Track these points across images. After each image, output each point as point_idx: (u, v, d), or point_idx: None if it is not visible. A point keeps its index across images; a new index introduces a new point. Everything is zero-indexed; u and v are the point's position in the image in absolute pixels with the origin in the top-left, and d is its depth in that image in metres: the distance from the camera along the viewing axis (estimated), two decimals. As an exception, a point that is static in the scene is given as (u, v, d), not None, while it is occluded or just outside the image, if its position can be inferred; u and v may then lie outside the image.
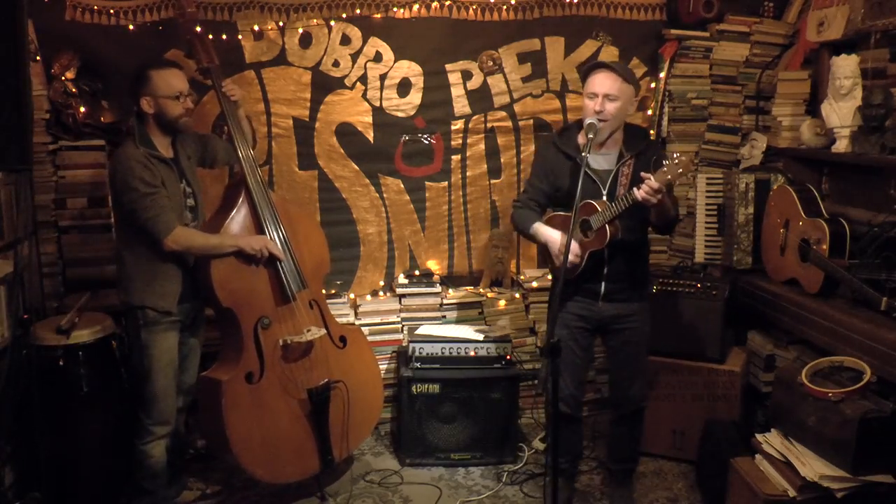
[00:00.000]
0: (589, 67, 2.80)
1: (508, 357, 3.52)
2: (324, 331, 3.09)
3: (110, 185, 2.82)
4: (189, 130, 2.95)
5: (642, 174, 2.55)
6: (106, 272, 3.49)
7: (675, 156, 2.46)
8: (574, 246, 2.70)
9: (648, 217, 2.75)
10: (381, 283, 4.05)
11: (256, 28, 3.66)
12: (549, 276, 3.16)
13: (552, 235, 2.81)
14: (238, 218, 2.97)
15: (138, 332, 2.84)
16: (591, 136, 2.59)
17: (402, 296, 3.91)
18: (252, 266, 2.94)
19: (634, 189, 2.55)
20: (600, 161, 2.80)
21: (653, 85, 3.97)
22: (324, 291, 3.37)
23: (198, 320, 3.08)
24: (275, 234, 3.00)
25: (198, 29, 3.12)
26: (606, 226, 2.68)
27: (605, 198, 2.74)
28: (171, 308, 2.84)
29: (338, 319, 3.60)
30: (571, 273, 2.79)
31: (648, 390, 3.11)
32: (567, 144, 2.84)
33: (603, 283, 2.83)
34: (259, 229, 2.99)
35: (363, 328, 3.77)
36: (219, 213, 3.04)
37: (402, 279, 3.96)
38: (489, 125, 3.98)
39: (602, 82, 2.69)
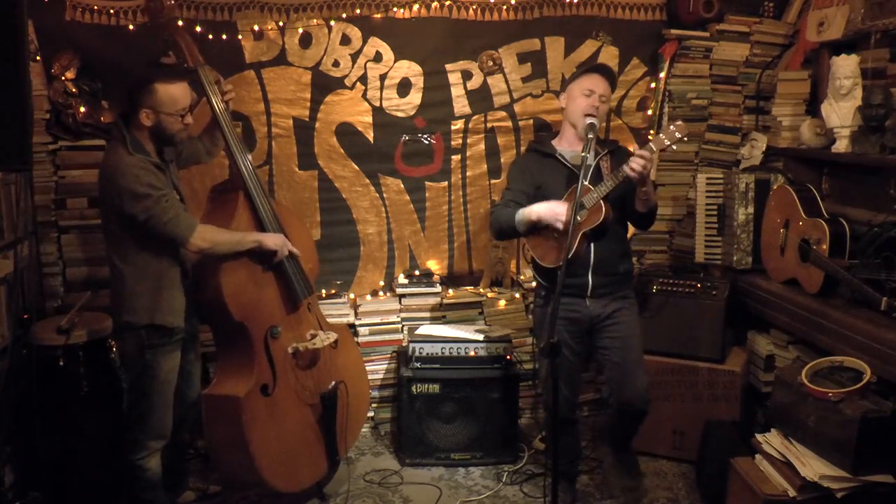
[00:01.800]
0: (590, 67, 2.99)
1: (508, 357, 3.52)
2: (334, 335, 3.07)
3: (106, 196, 2.64)
4: (182, 143, 2.84)
5: (637, 152, 2.70)
6: (106, 272, 3.49)
7: (673, 122, 2.62)
8: (565, 206, 2.78)
9: (632, 209, 2.86)
10: (381, 283, 4.04)
11: (256, 28, 3.65)
12: (534, 282, 3.15)
13: (543, 206, 2.84)
14: (242, 221, 2.89)
15: (141, 352, 2.71)
16: (591, 136, 2.64)
17: (402, 296, 3.91)
18: (261, 275, 2.88)
19: (624, 165, 2.68)
20: (577, 158, 2.92)
21: (653, 85, 3.96)
22: (323, 293, 3.37)
23: (195, 334, 3.02)
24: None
25: (179, 23, 2.98)
26: (602, 202, 2.77)
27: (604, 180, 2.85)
28: (180, 322, 2.74)
29: (338, 320, 3.61)
30: (560, 257, 2.81)
31: (648, 389, 3.10)
32: (544, 146, 3.05)
33: (590, 277, 2.89)
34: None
35: (363, 328, 3.79)
36: (218, 216, 2.92)
37: (402, 279, 3.96)
38: (489, 125, 3.98)
39: (600, 84, 2.92)
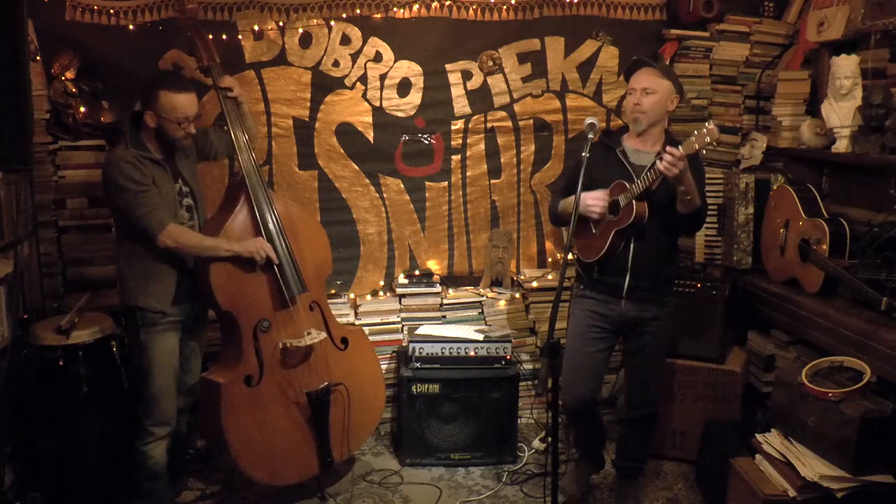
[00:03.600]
0: (630, 66, 2.90)
1: (508, 357, 3.52)
2: (324, 334, 3.07)
3: (103, 188, 2.81)
4: (185, 148, 2.93)
5: (667, 148, 2.57)
6: (106, 272, 3.50)
7: (704, 125, 2.52)
8: (598, 193, 2.77)
9: (676, 211, 2.74)
10: (381, 283, 4.05)
11: (256, 28, 3.66)
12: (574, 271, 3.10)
13: (582, 196, 2.75)
14: (238, 219, 2.94)
15: (137, 332, 2.84)
16: (590, 135, 2.61)
17: (402, 296, 3.91)
18: (251, 269, 2.92)
19: (657, 160, 2.59)
20: (640, 157, 2.85)
21: (653, 85, 3.96)
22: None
23: (199, 321, 3.07)
24: (274, 236, 2.97)
25: (199, 29, 3.10)
26: (633, 202, 2.71)
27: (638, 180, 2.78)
28: (164, 308, 2.82)
29: (338, 320, 3.60)
30: (595, 251, 2.84)
31: (660, 397, 3.12)
32: (611, 139, 2.93)
33: (627, 277, 2.82)
34: (258, 231, 2.95)
35: (363, 328, 3.78)
36: (219, 214, 3.02)
37: (402, 279, 3.96)
38: (489, 125, 3.98)
39: (640, 78, 2.81)
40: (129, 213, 2.71)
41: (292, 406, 3.02)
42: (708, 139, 2.49)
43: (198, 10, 3.17)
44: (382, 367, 3.79)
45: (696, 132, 2.52)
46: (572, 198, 2.79)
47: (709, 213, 3.77)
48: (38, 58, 3.33)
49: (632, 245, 2.80)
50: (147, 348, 2.83)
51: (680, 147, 2.55)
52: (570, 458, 3.42)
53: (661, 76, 2.80)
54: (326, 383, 3.08)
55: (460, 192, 4.04)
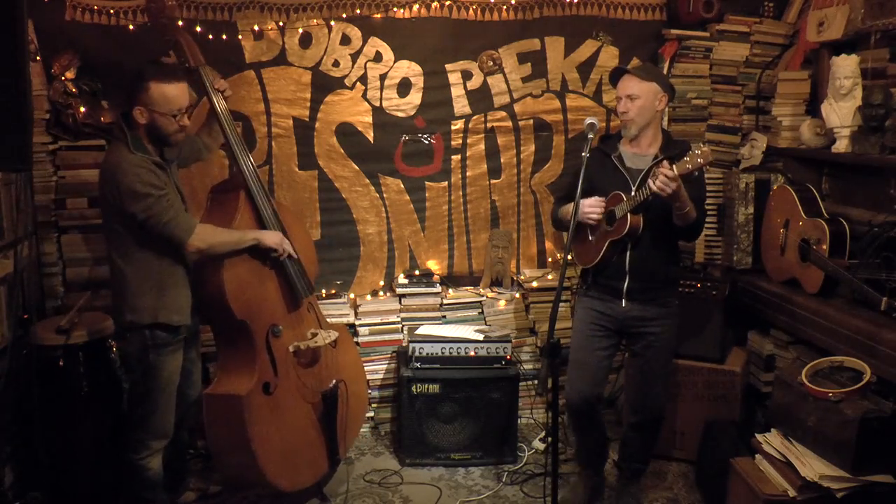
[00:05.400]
0: (612, 75, 2.95)
1: (508, 357, 3.52)
2: (335, 334, 3.08)
3: (108, 194, 2.59)
4: (179, 144, 2.79)
5: (660, 168, 2.59)
6: (106, 272, 3.49)
7: (698, 147, 2.56)
8: (594, 201, 2.82)
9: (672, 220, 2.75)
10: (381, 283, 4.04)
11: (256, 28, 3.65)
12: (578, 273, 3.20)
13: (575, 199, 2.76)
14: (244, 220, 2.88)
15: (145, 353, 2.67)
16: (590, 135, 2.63)
17: (402, 296, 3.91)
18: (262, 273, 2.88)
19: (650, 180, 2.62)
20: (636, 161, 2.87)
21: (653, 85, 3.96)
22: (323, 293, 3.38)
23: (196, 333, 3.00)
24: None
25: (179, 23, 2.98)
26: (628, 215, 2.74)
27: (633, 193, 2.80)
28: (185, 321, 2.72)
29: (338, 320, 3.61)
30: (590, 259, 2.90)
31: (666, 400, 3.12)
32: (607, 145, 2.97)
33: (626, 280, 2.86)
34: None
35: (363, 328, 3.78)
36: (219, 216, 2.90)
37: (402, 279, 3.96)
38: (489, 125, 3.98)
39: (623, 85, 2.86)
40: (152, 221, 2.55)
41: (305, 407, 3.01)
42: (701, 160, 2.51)
43: (176, 7, 3.10)
44: (382, 367, 3.82)
45: (689, 153, 2.54)
46: (571, 205, 2.82)
47: (709, 213, 3.81)
48: (38, 58, 3.33)
49: (628, 252, 2.83)
50: (156, 368, 2.71)
51: (674, 167, 2.54)
52: (569, 458, 3.42)
53: (642, 80, 2.81)
54: (335, 381, 3.08)
55: (460, 192, 4.04)
